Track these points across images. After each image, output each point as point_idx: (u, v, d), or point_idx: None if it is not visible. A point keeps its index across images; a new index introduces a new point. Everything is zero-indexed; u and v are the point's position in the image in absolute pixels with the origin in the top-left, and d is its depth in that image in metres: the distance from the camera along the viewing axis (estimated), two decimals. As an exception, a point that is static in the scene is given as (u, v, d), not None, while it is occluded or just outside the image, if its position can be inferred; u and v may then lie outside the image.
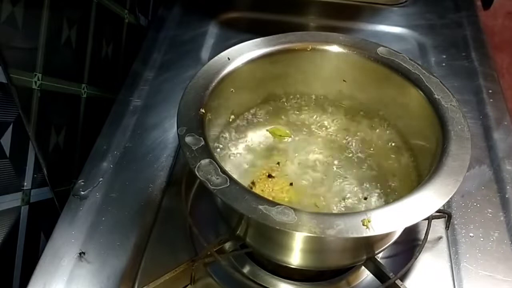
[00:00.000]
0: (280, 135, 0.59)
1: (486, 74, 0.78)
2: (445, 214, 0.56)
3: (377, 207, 0.43)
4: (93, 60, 0.71)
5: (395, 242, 0.50)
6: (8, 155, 0.52)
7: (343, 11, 0.92)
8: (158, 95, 0.74)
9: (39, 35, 0.57)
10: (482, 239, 0.57)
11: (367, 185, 0.55)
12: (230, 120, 0.58)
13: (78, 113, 0.69)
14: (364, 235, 0.40)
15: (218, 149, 0.56)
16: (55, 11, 0.59)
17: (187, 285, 0.53)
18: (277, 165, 0.56)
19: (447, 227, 0.58)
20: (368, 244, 0.48)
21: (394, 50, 0.57)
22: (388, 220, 0.41)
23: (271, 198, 0.46)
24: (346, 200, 0.53)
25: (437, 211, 0.44)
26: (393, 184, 0.55)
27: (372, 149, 0.58)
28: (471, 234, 0.58)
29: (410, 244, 0.57)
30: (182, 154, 0.47)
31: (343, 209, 0.52)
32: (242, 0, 0.95)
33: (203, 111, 0.49)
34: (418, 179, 0.53)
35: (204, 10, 0.90)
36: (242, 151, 0.57)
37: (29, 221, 0.58)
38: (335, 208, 0.52)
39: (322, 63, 0.59)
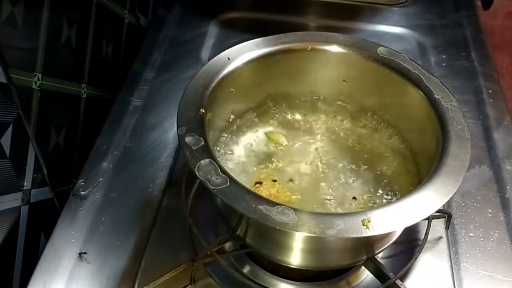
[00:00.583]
0: (275, 141, 0.59)
1: (486, 74, 0.78)
2: (445, 214, 0.56)
3: (377, 207, 0.43)
4: (93, 60, 0.71)
5: (395, 242, 0.50)
6: (8, 155, 0.52)
7: (343, 11, 0.92)
8: (158, 95, 0.74)
9: (39, 35, 0.57)
10: (482, 239, 0.57)
11: (367, 185, 0.55)
12: (230, 120, 0.58)
13: (78, 113, 0.69)
14: (364, 235, 0.40)
15: (218, 149, 0.56)
16: (55, 11, 0.59)
17: (187, 285, 0.53)
18: (277, 166, 0.56)
19: (447, 227, 0.58)
20: (368, 244, 0.48)
21: (394, 50, 0.57)
22: (388, 220, 0.41)
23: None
24: (345, 200, 0.53)
25: (437, 211, 0.44)
26: (393, 184, 0.55)
27: (372, 149, 0.58)
28: (471, 234, 0.58)
29: (410, 244, 0.57)
30: (182, 154, 0.46)
31: (342, 209, 0.52)
32: (242, 0, 0.95)
33: (203, 111, 0.49)
34: (418, 179, 0.53)
35: (204, 10, 0.90)
36: (242, 151, 0.57)
37: (29, 221, 0.58)
38: (334, 209, 0.52)
39: (322, 63, 0.59)
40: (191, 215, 0.55)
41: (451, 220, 0.58)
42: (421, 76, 0.54)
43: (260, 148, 0.58)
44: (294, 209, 0.41)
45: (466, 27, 0.88)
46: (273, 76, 0.59)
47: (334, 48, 0.58)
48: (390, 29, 0.88)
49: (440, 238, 0.57)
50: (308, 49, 0.58)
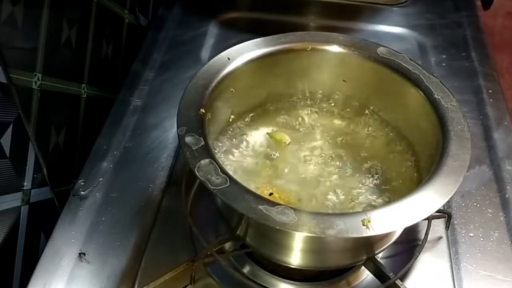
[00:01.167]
0: (279, 140, 0.59)
1: (486, 74, 0.78)
2: (445, 214, 0.56)
3: (377, 207, 0.43)
4: (93, 60, 0.71)
5: (395, 242, 0.50)
6: (8, 155, 0.52)
7: (343, 11, 0.92)
8: (158, 95, 0.74)
9: (39, 35, 0.57)
10: (482, 239, 0.57)
11: (367, 185, 0.55)
12: (230, 120, 0.58)
13: (78, 113, 0.69)
14: (364, 235, 0.40)
15: (218, 149, 0.56)
16: (55, 11, 0.59)
17: (187, 285, 0.53)
18: (277, 166, 0.56)
19: (447, 227, 0.58)
20: (368, 244, 0.48)
21: (394, 50, 0.57)
22: (388, 220, 0.41)
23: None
24: (345, 200, 0.53)
25: (437, 211, 0.44)
26: (393, 184, 0.55)
27: (371, 149, 0.58)
28: (471, 234, 0.58)
29: (410, 244, 0.57)
30: (182, 154, 0.46)
31: (342, 209, 0.52)
32: (242, 0, 0.95)
33: (203, 111, 0.49)
34: (418, 179, 0.53)
35: (204, 10, 0.90)
36: (242, 151, 0.57)
37: (29, 221, 0.58)
38: (332, 209, 0.52)
39: (322, 63, 0.59)
40: (191, 215, 0.55)
41: (451, 220, 0.58)
42: (421, 76, 0.54)
43: (260, 147, 0.58)
44: (294, 209, 0.41)
45: (466, 27, 0.88)
46: (273, 76, 0.59)
47: (334, 48, 0.58)
48: (390, 29, 0.88)
49: (440, 238, 0.57)
50: (308, 49, 0.58)
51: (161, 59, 0.80)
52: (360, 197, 0.53)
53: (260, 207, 0.41)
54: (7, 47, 0.51)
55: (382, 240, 0.48)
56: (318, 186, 0.54)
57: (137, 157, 0.65)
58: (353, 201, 0.53)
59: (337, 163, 0.57)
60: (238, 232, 0.49)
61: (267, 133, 0.59)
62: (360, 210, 0.51)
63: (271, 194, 0.52)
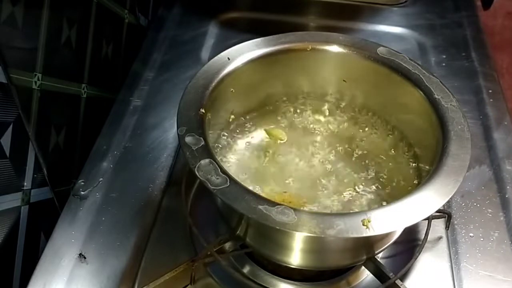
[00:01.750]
0: (276, 136, 0.59)
1: (486, 74, 0.78)
2: (445, 214, 0.56)
3: (377, 207, 0.43)
4: (93, 60, 0.71)
5: (395, 242, 0.50)
6: (8, 155, 0.52)
7: (343, 11, 0.92)
8: (158, 95, 0.74)
9: (39, 35, 0.57)
10: (482, 239, 0.57)
11: (367, 185, 0.55)
12: (230, 120, 0.58)
13: (78, 113, 0.69)
14: (364, 235, 0.40)
15: (218, 149, 0.56)
16: (55, 11, 0.59)
17: (187, 285, 0.53)
18: (277, 166, 0.56)
19: (447, 227, 0.58)
20: (368, 244, 0.48)
21: (394, 50, 0.57)
22: (388, 220, 0.41)
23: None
24: (345, 200, 0.53)
25: (437, 211, 0.44)
26: (393, 184, 0.55)
27: (371, 149, 0.58)
28: (471, 234, 0.58)
29: (410, 244, 0.57)
30: (182, 154, 0.46)
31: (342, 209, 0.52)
32: (242, 0, 0.95)
33: (203, 111, 0.49)
34: (418, 179, 0.53)
35: (204, 10, 0.90)
36: (242, 151, 0.57)
37: (29, 221, 0.58)
38: (334, 208, 0.52)
39: (322, 63, 0.59)
40: (191, 215, 0.55)
41: (451, 220, 0.58)
42: (421, 76, 0.54)
43: (260, 147, 0.58)
44: (294, 209, 0.41)
45: (466, 27, 0.88)
46: (273, 76, 0.59)
47: (334, 48, 0.58)
48: (390, 29, 0.88)
49: (440, 238, 0.57)
50: (308, 49, 0.58)
51: (161, 59, 0.80)
52: (360, 197, 0.53)
53: (260, 207, 0.41)
54: (7, 47, 0.51)
55: (382, 240, 0.48)
56: (318, 186, 0.54)
57: (137, 157, 0.65)
58: (352, 200, 0.53)
59: (337, 163, 0.57)
60: (238, 232, 0.49)
61: (264, 129, 0.59)
62: (360, 210, 0.51)
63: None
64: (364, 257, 0.49)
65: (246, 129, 0.60)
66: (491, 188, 0.62)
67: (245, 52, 0.56)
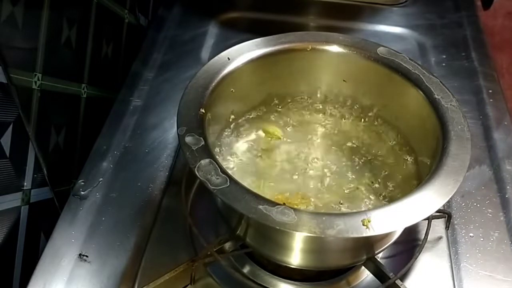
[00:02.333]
0: (272, 134, 0.59)
1: (486, 74, 0.78)
2: (445, 214, 0.56)
3: (377, 207, 0.43)
4: (93, 60, 0.71)
5: (395, 242, 0.50)
6: (8, 155, 0.52)
7: (343, 11, 0.92)
8: (158, 95, 0.74)
9: (39, 35, 0.57)
10: (482, 239, 0.57)
11: (366, 185, 0.55)
12: (230, 120, 0.58)
13: (78, 113, 0.69)
14: (364, 235, 0.40)
15: (218, 149, 0.56)
16: (55, 11, 0.59)
17: (187, 285, 0.53)
18: (277, 165, 0.56)
19: (447, 227, 0.58)
20: (368, 244, 0.48)
21: (394, 50, 0.57)
22: (388, 220, 0.41)
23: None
24: (345, 200, 0.53)
25: (437, 211, 0.44)
26: (393, 184, 0.55)
27: (371, 149, 0.58)
28: (471, 234, 0.58)
29: (410, 244, 0.57)
30: (182, 154, 0.47)
31: (342, 209, 0.52)
32: (242, 0, 0.95)
33: (203, 111, 0.49)
34: (418, 179, 0.53)
35: (204, 10, 0.90)
36: (242, 151, 0.57)
37: (29, 221, 0.58)
38: (334, 208, 0.52)
39: (322, 63, 0.59)
40: (191, 215, 0.55)
41: (451, 220, 0.58)
42: (421, 76, 0.54)
43: (260, 147, 0.58)
44: (294, 209, 0.41)
45: (466, 27, 0.88)
46: (273, 76, 0.59)
47: (334, 48, 0.58)
48: (390, 29, 0.88)
49: (440, 238, 0.57)
50: (308, 49, 0.58)
51: (161, 59, 0.80)
52: (359, 197, 0.53)
53: (260, 207, 0.41)
54: (7, 47, 0.51)
55: (382, 240, 0.48)
56: (318, 185, 0.54)
57: (137, 157, 0.65)
58: (352, 200, 0.53)
59: (337, 162, 0.57)
60: (238, 232, 0.49)
61: (263, 129, 0.59)
62: (360, 210, 0.51)
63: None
64: (364, 257, 0.49)
65: (246, 129, 0.59)
66: (491, 188, 0.62)
67: (245, 52, 0.56)
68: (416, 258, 0.52)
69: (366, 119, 0.60)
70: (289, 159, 0.57)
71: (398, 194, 0.53)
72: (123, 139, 0.67)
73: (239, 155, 0.57)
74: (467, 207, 0.60)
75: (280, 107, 0.62)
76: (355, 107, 0.61)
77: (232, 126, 0.59)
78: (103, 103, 0.74)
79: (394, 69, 0.55)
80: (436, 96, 0.52)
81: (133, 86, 0.75)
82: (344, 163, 0.57)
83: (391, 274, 0.49)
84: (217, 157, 0.47)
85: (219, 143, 0.56)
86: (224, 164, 0.49)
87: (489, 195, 0.61)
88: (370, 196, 0.54)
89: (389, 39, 0.84)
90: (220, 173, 0.43)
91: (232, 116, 0.58)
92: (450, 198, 0.43)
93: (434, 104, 0.51)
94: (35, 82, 0.57)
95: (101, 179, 0.62)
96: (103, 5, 0.73)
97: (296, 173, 0.56)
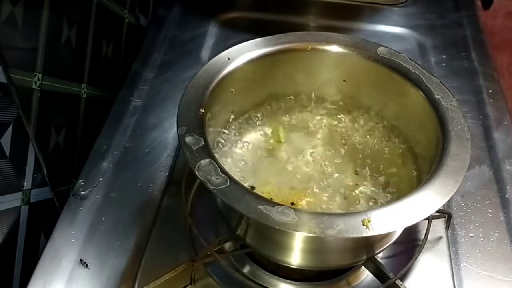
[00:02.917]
0: (277, 134, 0.59)
1: (486, 74, 0.78)
2: (445, 214, 0.56)
3: (377, 207, 0.43)
4: (93, 60, 0.71)
5: (395, 242, 0.50)
6: (8, 155, 0.52)
7: (343, 11, 0.92)
8: (158, 95, 0.74)
9: (39, 35, 0.57)
10: (482, 239, 0.57)
11: (366, 185, 0.55)
12: (230, 120, 0.58)
13: (78, 113, 0.69)
14: (364, 235, 0.40)
15: (218, 149, 0.56)
16: (55, 11, 0.59)
17: (187, 285, 0.53)
18: (277, 165, 0.56)
19: (447, 227, 0.58)
20: (368, 244, 0.48)
21: (394, 50, 0.57)
22: (388, 220, 0.41)
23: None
24: (344, 200, 0.53)
25: (437, 211, 0.44)
26: (392, 184, 0.55)
27: (371, 148, 0.58)
28: (471, 234, 0.58)
29: (410, 244, 0.57)
30: (182, 154, 0.47)
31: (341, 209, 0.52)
32: (242, 0, 0.95)
33: (203, 111, 0.49)
34: (418, 179, 0.53)
35: (204, 10, 0.90)
36: (242, 151, 0.57)
37: (29, 221, 0.58)
38: (333, 208, 0.52)
39: (322, 63, 0.59)
40: (191, 215, 0.55)
41: (451, 220, 0.58)
42: (421, 76, 0.54)
43: (260, 147, 0.58)
44: (294, 209, 0.41)
45: (466, 27, 0.88)
46: (273, 76, 0.59)
47: (334, 48, 0.58)
48: (390, 29, 0.88)
49: (440, 238, 0.57)
50: (308, 49, 0.58)
51: (161, 59, 0.80)
52: (359, 197, 0.53)
53: (260, 207, 0.41)
54: (7, 47, 0.51)
55: (382, 240, 0.48)
56: (317, 185, 0.54)
57: (137, 157, 0.65)
58: (352, 200, 0.53)
59: (336, 162, 0.57)
60: (238, 232, 0.49)
61: (271, 129, 0.59)
62: (360, 210, 0.51)
63: (292, 204, 0.52)
64: (364, 257, 0.49)
65: (246, 129, 0.59)
66: (491, 188, 0.62)
67: (245, 52, 0.56)
68: (416, 258, 0.52)
69: (366, 119, 0.60)
70: (289, 159, 0.57)
71: (397, 194, 0.53)
72: (123, 139, 0.67)
73: (239, 155, 0.57)
74: (467, 207, 0.60)
75: (279, 107, 0.62)
76: (355, 107, 0.61)
77: (232, 126, 0.59)
78: (103, 103, 0.74)
79: (394, 69, 0.55)
80: (436, 96, 0.52)
81: (133, 86, 0.75)
82: (344, 163, 0.57)
83: (391, 274, 0.49)
84: (217, 157, 0.47)
85: (219, 143, 0.56)
86: (223, 164, 0.49)
87: (489, 195, 0.61)
88: (370, 196, 0.54)
89: (389, 39, 0.84)
90: (220, 173, 0.43)
91: (232, 116, 0.58)
92: (450, 198, 0.43)
93: (434, 104, 0.51)
94: (35, 82, 0.57)
95: (101, 179, 0.62)
96: (103, 5, 0.73)
97: (296, 172, 0.56)
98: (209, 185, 0.43)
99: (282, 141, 0.58)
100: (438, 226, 0.58)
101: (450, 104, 0.51)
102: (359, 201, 0.53)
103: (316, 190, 0.54)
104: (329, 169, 0.56)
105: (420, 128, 0.54)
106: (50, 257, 0.54)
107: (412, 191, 0.44)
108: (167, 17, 0.89)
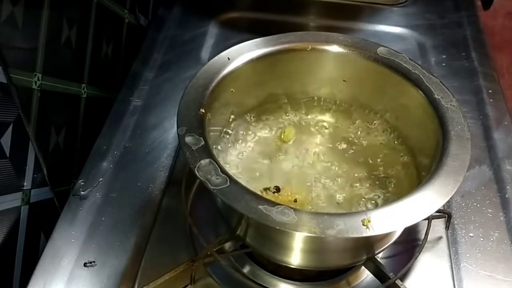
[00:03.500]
0: (288, 136, 0.59)
1: (486, 74, 0.78)
2: (445, 214, 0.56)
3: (377, 207, 0.43)
4: (93, 60, 0.71)
5: (395, 242, 0.50)
6: (8, 155, 0.52)
7: (343, 11, 0.92)
8: (158, 95, 0.74)
9: (39, 35, 0.57)
10: (482, 239, 0.57)
11: (366, 185, 0.55)
12: (230, 120, 0.58)
13: (78, 113, 0.69)
14: (364, 235, 0.40)
15: (218, 149, 0.56)
16: (55, 11, 0.59)
17: (187, 285, 0.53)
18: (277, 165, 0.56)
19: (447, 227, 0.58)
20: (368, 244, 0.48)
21: (394, 50, 0.57)
22: (388, 220, 0.41)
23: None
24: (345, 200, 0.53)
25: (437, 211, 0.44)
26: (392, 184, 0.55)
27: (371, 148, 0.58)
28: (471, 234, 0.58)
29: (410, 244, 0.57)
30: (182, 154, 0.47)
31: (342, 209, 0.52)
32: (242, 0, 0.95)
33: (203, 111, 0.49)
34: (418, 179, 0.53)
35: (204, 10, 0.90)
36: (242, 151, 0.57)
37: (29, 221, 0.58)
38: (334, 208, 0.52)
39: (322, 63, 0.59)
40: (191, 215, 0.55)
41: (451, 220, 0.58)
42: (421, 76, 0.54)
43: (260, 147, 0.58)
44: (294, 209, 0.41)
45: (466, 27, 0.88)
46: (273, 76, 0.59)
47: (334, 48, 0.58)
48: (390, 29, 0.88)
49: (440, 238, 0.57)
50: (308, 49, 0.58)
51: (161, 59, 0.80)
52: (359, 197, 0.53)
53: (260, 207, 0.41)
54: (7, 47, 0.51)
55: (382, 240, 0.48)
56: (317, 185, 0.54)
57: (137, 157, 0.65)
58: (352, 200, 0.53)
59: (336, 162, 0.57)
60: (238, 232, 0.49)
61: (283, 130, 0.59)
62: (360, 210, 0.51)
63: (295, 200, 0.53)
64: (364, 257, 0.49)
65: (246, 129, 0.59)
66: (491, 188, 0.62)
67: (245, 52, 0.56)
68: (416, 258, 0.52)
69: (366, 119, 0.60)
70: (288, 159, 0.57)
71: (397, 194, 0.53)
72: (123, 139, 0.67)
73: (239, 155, 0.57)
74: (467, 207, 0.60)
75: (280, 107, 0.62)
76: (355, 107, 0.61)
77: (232, 126, 0.59)
78: (103, 103, 0.74)
79: (394, 69, 0.55)
80: (436, 96, 0.52)
81: (133, 86, 0.75)
82: (343, 163, 0.57)
83: (391, 274, 0.49)
84: (217, 157, 0.47)
85: (219, 143, 0.56)
86: (223, 164, 0.49)
87: (489, 195, 0.61)
88: (369, 195, 0.54)
89: (389, 39, 0.84)
90: (220, 173, 0.43)
91: (232, 116, 0.58)
92: (450, 198, 0.43)
93: (434, 104, 0.51)
94: (35, 82, 0.57)
95: (101, 179, 0.62)
96: (103, 5, 0.73)
97: (296, 172, 0.56)
98: (209, 185, 0.43)
99: (291, 142, 0.58)
100: (438, 226, 0.58)
101: (450, 104, 0.51)
102: (359, 201, 0.53)
103: (316, 189, 0.54)
104: (329, 169, 0.56)
105: (420, 128, 0.54)
106: (50, 257, 0.54)
107: (412, 191, 0.44)
108: (167, 17, 0.89)
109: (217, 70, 0.54)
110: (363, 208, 0.52)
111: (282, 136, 0.59)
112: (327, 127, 0.61)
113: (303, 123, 0.61)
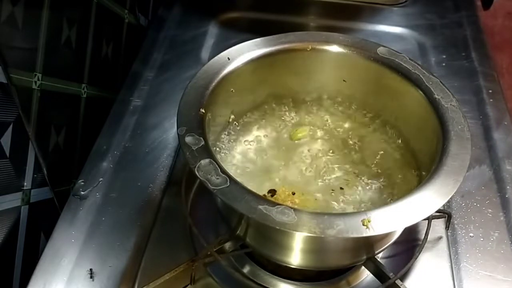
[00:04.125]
0: (299, 134, 0.59)
1: (486, 74, 0.78)
2: (445, 214, 0.56)
3: (377, 207, 0.43)
4: (93, 60, 0.71)
5: (395, 242, 0.50)
6: (8, 155, 0.52)
7: (343, 11, 0.92)
8: (158, 95, 0.74)
9: (39, 35, 0.57)
10: (482, 239, 0.57)
11: (367, 185, 0.55)
12: (230, 120, 0.58)
13: (78, 113, 0.69)
14: (364, 235, 0.40)
15: (218, 149, 0.56)
16: (55, 11, 0.59)
17: (187, 285, 0.53)
18: (276, 165, 0.56)
19: (447, 227, 0.58)
20: (368, 244, 0.48)
21: (394, 50, 0.57)
22: (388, 220, 0.41)
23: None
24: (344, 200, 0.53)
25: (437, 211, 0.44)
26: (392, 184, 0.55)
27: (371, 148, 0.58)
28: (471, 234, 0.58)
29: (410, 244, 0.57)
30: (182, 154, 0.47)
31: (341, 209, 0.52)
32: (242, 0, 0.95)
33: (203, 111, 0.49)
34: (418, 179, 0.53)
35: (204, 10, 0.90)
36: (242, 151, 0.57)
37: (29, 221, 0.58)
38: (334, 208, 0.52)
39: (322, 63, 0.59)
40: (191, 215, 0.55)
41: (451, 220, 0.58)
42: (421, 76, 0.54)
43: (260, 147, 0.58)
44: (294, 209, 0.41)
45: (466, 27, 0.88)
46: (273, 76, 0.59)
47: (334, 48, 0.58)
48: (390, 29, 0.88)
49: (440, 238, 0.57)
50: (308, 49, 0.58)
51: (161, 59, 0.80)
52: (359, 197, 0.53)
53: (260, 207, 0.41)
54: (7, 47, 0.51)
55: (382, 240, 0.48)
56: (318, 185, 0.54)
57: (137, 157, 0.65)
58: (352, 200, 0.53)
59: (336, 162, 0.57)
60: (238, 232, 0.49)
61: (296, 130, 0.59)
62: (360, 210, 0.51)
63: (293, 193, 0.53)
64: (364, 257, 0.49)
65: (246, 129, 0.59)
66: (491, 188, 0.62)
67: (245, 52, 0.56)
68: (416, 258, 0.52)
69: (366, 119, 0.60)
70: (288, 159, 0.57)
71: (397, 194, 0.53)
72: (123, 139, 0.67)
73: (239, 154, 0.57)
74: (467, 207, 0.60)
75: (280, 107, 0.62)
76: (355, 107, 0.61)
77: (232, 126, 0.59)
78: (103, 103, 0.74)
79: (394, 69, 0.55)
80: (436, 96, 0.52)
81: (133, 86, 0.75)
82: (343, 163, 0.57)
83: (391, 274, 0.49)
84: (217, 157, 0.47)
85: (219, 143, 0.56)
86: (223, 164, 0.49)
87: (489, 195, 0.61)
88: (369, 196, 0.54)
89: (389, 39, 0.84)
90: (220, 173, 0.43)
91: (232, 116, 0.58)
92: (450, 198, 0.43)
93: (434, 104, 0.51)
94: (35, 82, 0.57)
95: (101, 179, 0.62)
96: (103, 5, 0.73)
97: (296, 172, 0.56)
98: (209, 185, 0.43)
99: (300, 141, 0.59)
100: (438, 226, 0.58)
101: (450, 104, 0.51)
102: (358, 201, 0.53)
103: (316, 189, 0.54)
104: (329, 169, 0.56)
105: (420, 128, 0.54)
106: (50, 257, 0.54)
107: (412, 191, 0.44)
108: (167, 17, 0.89)
109: (217, 70, 0.54)
110: (362, 208, 0.52)
111: (291, 134, 0.59)
112: (327, 127, 0.61)
113: (303, 124, 0.61)
